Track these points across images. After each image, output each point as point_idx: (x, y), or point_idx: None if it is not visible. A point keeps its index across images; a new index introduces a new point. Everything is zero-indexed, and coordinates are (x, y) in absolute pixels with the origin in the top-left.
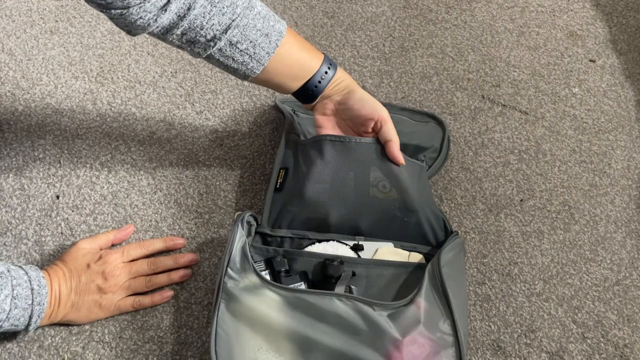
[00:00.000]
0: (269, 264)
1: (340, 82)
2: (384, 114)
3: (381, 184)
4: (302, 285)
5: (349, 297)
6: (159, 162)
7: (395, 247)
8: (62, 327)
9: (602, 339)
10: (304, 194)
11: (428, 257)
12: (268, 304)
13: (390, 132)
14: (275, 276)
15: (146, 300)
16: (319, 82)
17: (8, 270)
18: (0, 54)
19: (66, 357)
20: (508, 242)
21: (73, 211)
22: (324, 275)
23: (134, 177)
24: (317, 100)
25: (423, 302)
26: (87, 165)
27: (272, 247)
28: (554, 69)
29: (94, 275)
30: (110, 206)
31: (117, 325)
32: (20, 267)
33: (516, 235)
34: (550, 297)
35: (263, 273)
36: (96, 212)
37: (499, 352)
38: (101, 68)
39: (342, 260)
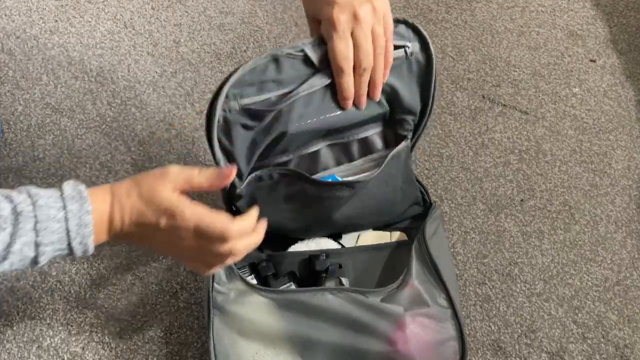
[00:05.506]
0: (254, 269)
1: None
2: (329, 13)
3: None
4: (292, 286)
5: (340, 289)
6: (159, 162)
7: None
8: (61, 328)
9: (602, 339)
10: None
11: (408, 231)
12: (260, 309)
13: (335, 51)
14: (263, 280)
15: None
16: None
17: (33, 207)
18: (0, 53)
19: (66, 358)
20: (508, 242)
21: None
22: (312, 272)
23: None
24: None
25: (415, 282)
26: (87, 165)
27: (254, 253)
28: (554, 68)
29: (159, 235)
30: None
31: (117, 325)
32: (60, 196)
33: (516, 236)
34: (551, 297)
35: (248, 278)
36: None
37: (499, 353)
38: (101, 68)
39: (327, 253)
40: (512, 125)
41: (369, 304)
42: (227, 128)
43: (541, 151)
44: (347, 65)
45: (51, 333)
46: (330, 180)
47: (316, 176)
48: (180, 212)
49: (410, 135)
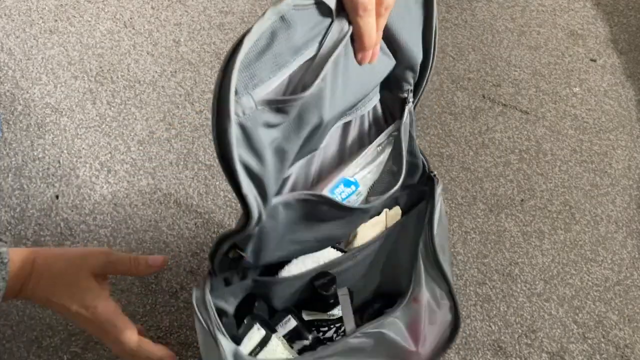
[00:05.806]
0: (264, 323)
1: None
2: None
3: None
4: (291, 320)
5: (360, 332)
6: (159, 162)
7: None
8: (61, 328)
9: (602, 339)
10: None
11: (404, 202)
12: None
13: (359, 30)
14: (267, 322)
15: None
16: None
17: None
18: (0, 53)
19: (65, 358)
20: (509, 242)
21: (72, 211)
22: (323, 304)
23: (134, 177)
24: None
25: (425, 295)
26: (87, 165)
27: (240, 283)
28: (554, 68)
29: (66, 314)
30: (110, 206)
31: None
32: None
33: (517, 235)
34: (551, 297)
35: (255, 327)
36: (95, 211)
37: (499, 353)
38: (101, 67)
39: (333, 280)
40: (513, 125)
41: (385, 337)
42: (247, 139)
43: (541, 151)
44: (369, 0)
45: (51, 333)
46: (342, 184)
47: (326, 190)
48: (92, 308)
49: (411, 97)
